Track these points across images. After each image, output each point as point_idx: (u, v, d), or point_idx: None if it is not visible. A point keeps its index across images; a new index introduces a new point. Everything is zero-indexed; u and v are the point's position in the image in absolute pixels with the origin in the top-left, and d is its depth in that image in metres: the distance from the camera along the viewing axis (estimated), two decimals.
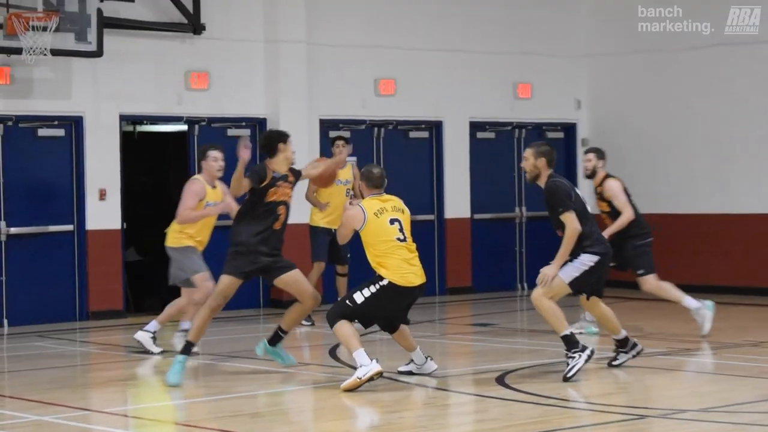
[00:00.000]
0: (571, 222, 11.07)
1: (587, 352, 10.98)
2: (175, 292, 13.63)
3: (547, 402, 10.09)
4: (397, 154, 19.04)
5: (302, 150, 17.89)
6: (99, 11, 15.81)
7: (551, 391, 10.56)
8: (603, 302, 11.60)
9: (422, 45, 19.20)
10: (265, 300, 17.82)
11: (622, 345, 11.68)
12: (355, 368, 10.78)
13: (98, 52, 15.98)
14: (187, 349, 11.47)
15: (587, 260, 11.15)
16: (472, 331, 14.88)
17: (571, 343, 11.01)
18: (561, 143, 20.67)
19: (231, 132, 17.79)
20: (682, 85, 19.53)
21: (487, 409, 10.21)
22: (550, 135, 20.49)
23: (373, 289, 10.89)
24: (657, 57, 19.73)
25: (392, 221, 11.02)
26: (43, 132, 16.48)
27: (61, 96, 16.51)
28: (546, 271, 11.14)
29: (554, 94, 20.43)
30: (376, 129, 18.91)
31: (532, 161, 11.30)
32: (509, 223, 20.06)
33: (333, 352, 12.94)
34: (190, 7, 17.27)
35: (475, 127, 19.75)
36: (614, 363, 11.69)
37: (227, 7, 17.72)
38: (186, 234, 13.02)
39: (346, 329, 10.82)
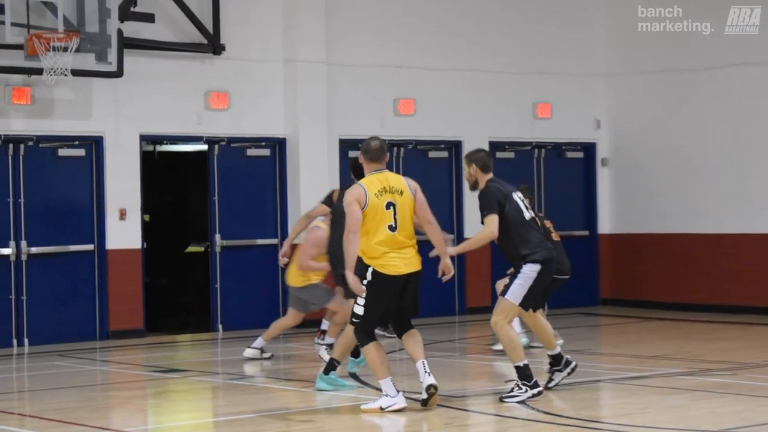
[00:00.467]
0: (488, 224, 10.91)
1: (535, 390, 10.87)
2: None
3: (568, 422, 10.05)
4: (416, 174, 18.82)
5: (322, 169, 17.97)
6: (119, 32, 15.87)
7: (572, 411, 10.54)
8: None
9: (441, 65, 19.22)
10: None
11: (556, 362, 11.58)
12: (378, 389, 10.74)
13: (118, 73, 16.04)
14: (332, 366, 11.68)
15: (529, 271, 11.01)
16: (492, 351, 14.84)
17: (525, 375, 10.91)
18: (581, 163, 20.66)
19: (250, 152, 17.82)
20: (702, 104, 19.48)
21: (508, 429, 10.18)
22: (570, 155, 20.49)
23: (365, 292, 10.45)
24: (676, 75, 19.70)
25: (388, 205, 10.41)
26: (63, 152, 16.54)
27: (81, 116, 16.58)
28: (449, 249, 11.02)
29: (573, 113, 20.42)
30: (395, 149, 18.91)
31: (467, 169, 11.26)
32: None
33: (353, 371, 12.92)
34: (209, 27, 17.33)
35: (495, 146, 19.72)
36: (550, 386, 11.51)
37: (247, 27, 17.78)
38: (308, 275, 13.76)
39: (373, 355, 10.52)
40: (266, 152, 17.97)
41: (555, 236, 13.81)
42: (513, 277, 11.09)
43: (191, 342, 17.05)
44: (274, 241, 17.91)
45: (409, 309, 10.65)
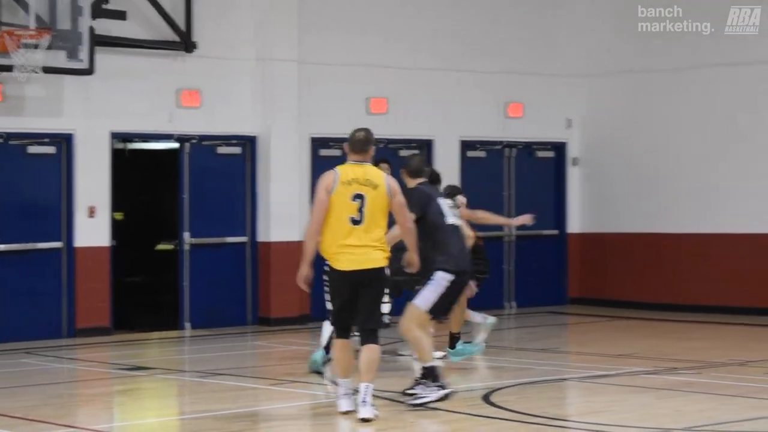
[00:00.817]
0: None
1: (443, 392, 10.79)
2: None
3: (533, 420, 10.09)
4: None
5: (293, 168, 17.98)
6: (91, 29, 15.84)
7: (537, 409, 10.57)
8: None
9: (413, 64, 19.24)
10: (253, 317, 17.79)
11: (428, 375, 11.15)
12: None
13: (90, 70, 16.01)
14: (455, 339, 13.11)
15: (442, 279, 11.02)
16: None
17: (433, 375, 10.85)
18: (551, 162, 20.71)
19: (221, 150, 17.81)
20: (671, 106, 19.57)
21: (473, 428, 10.21)
22: (540, 154, 20.55)
23: (327, 284, 10.31)
24: (647, 77, 19.78)
25: (355, 197, 10.05)
26: (33, 149, 16.49)
27: (52, 113, 16.53)
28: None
29: (545, 113, 20.47)
30: None
31: (402, 172, 11.55)
32: (498, 242, 20.06)
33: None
34: (182, 25, 17.31)
35: (466, 146, 19.78)
36: (407, 393, 11.12)
37: (219, 25, 17.76)
38: None
39: (339, 354, 10.36)
40: (237, 150, 17.96)
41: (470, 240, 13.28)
42: (425, 282, 11.07)
43: (159, 340, 17.02)
44: (244, 239, 17.90)
45: (368, 315, 10.18)
